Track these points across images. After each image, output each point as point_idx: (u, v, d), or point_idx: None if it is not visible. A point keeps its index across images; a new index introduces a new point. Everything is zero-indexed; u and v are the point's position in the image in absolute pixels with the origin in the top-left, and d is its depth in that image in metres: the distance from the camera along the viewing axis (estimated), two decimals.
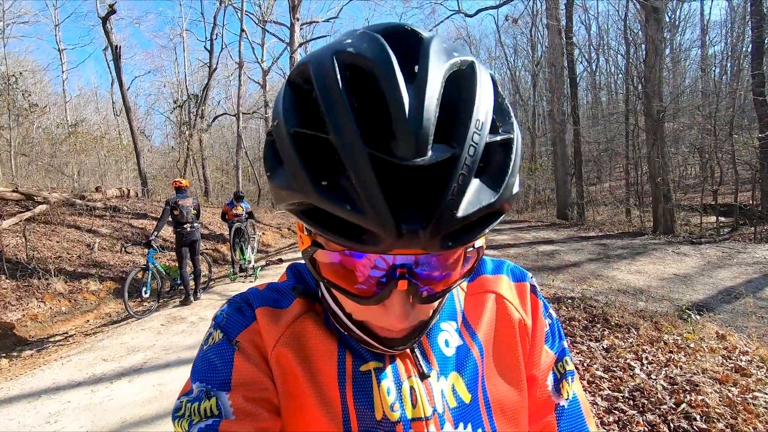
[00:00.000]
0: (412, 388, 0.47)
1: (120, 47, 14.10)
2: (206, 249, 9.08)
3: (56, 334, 5.07)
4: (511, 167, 0.37)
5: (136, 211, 10.94)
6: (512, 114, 0.40)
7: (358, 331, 0.45)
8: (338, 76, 0.34)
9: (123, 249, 7.76)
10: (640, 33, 14.51)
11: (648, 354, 3.19)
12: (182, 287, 5.99)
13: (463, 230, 0.35)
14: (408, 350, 0.48)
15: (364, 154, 0.32)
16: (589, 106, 31.08)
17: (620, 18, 17.65)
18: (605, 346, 3.40)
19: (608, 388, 2.73)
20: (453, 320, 0.53)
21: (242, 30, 17.75)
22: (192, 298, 5.90)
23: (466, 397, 0.48)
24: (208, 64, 20.32)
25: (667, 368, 2.93)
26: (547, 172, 21.03)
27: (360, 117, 0.33)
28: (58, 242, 7.51)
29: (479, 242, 0.42)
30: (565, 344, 0.57)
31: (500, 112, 0.39)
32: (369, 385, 0.46)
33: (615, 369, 2.98)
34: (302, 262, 0.51)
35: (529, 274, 0.60)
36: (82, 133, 17.14)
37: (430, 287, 0.40)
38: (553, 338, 0.56)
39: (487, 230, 0.37)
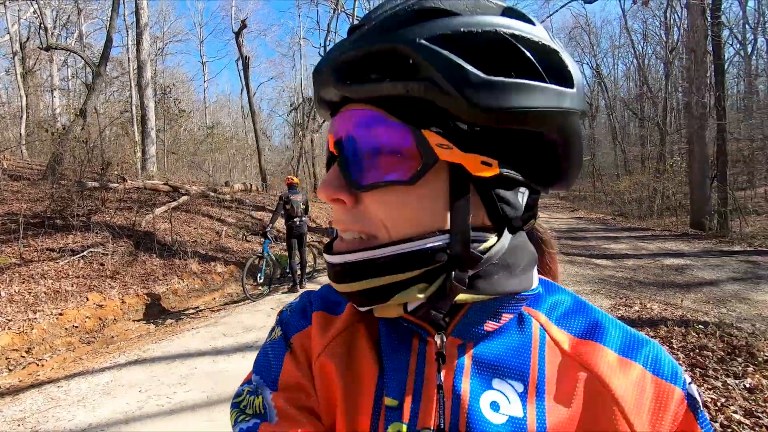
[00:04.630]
0: None
1: (248, 58, 15.88)
2: (313, 241, 9.76)
3: (189, 308, 5.93)
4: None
5: (256, 203, 12.24)
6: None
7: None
8: None
9: (244, 237, 8.77)
10: None
11: None
12: (291, 275, 6.54)
13: (357, 70, 0.38)
14: (436, 394, 0.39)
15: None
16: (740, 97, 26.22)
17: None
18: (747, 386, 2.84)
19: None
20: (520, 382, 0.39)
21: None
22: (298, 287, 6.41)
23: None
24: None
25: None
26: (679, 174, 18.14)
27: None
28: (194, 228, 8.76)
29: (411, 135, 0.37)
30: None
31: None
32: (391, 421, 0.39)
33: (760, 415, 2.47)
34: None
35: (687, 378, 0.39)
36: (217, 135, 19.75)
37: (361, 172, 0.39)
38: None
39: (385, 86, 0.37)
